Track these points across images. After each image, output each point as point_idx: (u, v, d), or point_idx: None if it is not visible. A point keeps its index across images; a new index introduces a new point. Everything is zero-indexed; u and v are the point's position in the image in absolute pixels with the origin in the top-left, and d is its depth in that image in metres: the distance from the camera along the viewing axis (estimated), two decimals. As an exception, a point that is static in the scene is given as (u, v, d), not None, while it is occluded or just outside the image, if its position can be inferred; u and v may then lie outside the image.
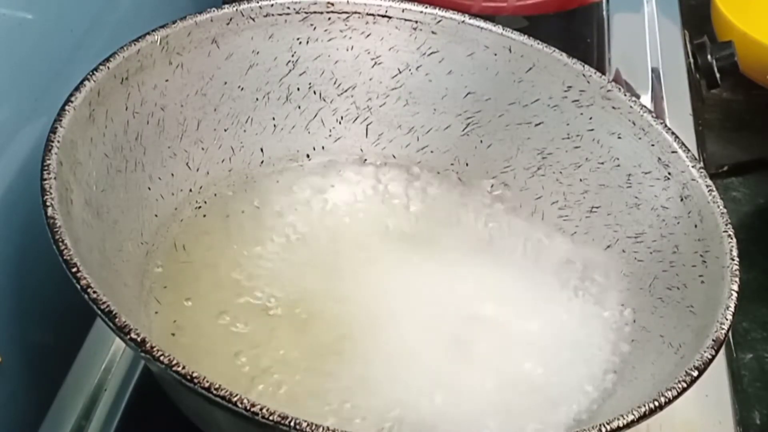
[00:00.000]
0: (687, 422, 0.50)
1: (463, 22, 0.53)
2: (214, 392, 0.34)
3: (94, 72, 0.44)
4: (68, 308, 0.50)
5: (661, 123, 0.50)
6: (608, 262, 0.51)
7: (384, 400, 0.44)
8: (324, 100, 0.55)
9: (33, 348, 0.52)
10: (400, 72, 0.55)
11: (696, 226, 0.46)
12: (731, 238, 0.44)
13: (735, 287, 0.42)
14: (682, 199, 0.48)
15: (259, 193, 0.53)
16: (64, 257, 0.36)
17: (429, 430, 0.43)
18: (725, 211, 0.46)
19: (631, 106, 0.50)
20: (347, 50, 0.54)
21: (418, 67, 0.55)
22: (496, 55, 0.53)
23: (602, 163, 0.52)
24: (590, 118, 0.52)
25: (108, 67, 0.45)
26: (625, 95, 0.51)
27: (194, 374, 0.34)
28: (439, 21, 0.54)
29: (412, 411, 0.44)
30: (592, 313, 0.50)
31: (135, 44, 0.46)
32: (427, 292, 0.50)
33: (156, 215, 0.49)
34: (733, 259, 0.43)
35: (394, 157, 0.56)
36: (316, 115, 0.55)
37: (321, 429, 0.33)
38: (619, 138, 0.51)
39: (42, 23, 0.50)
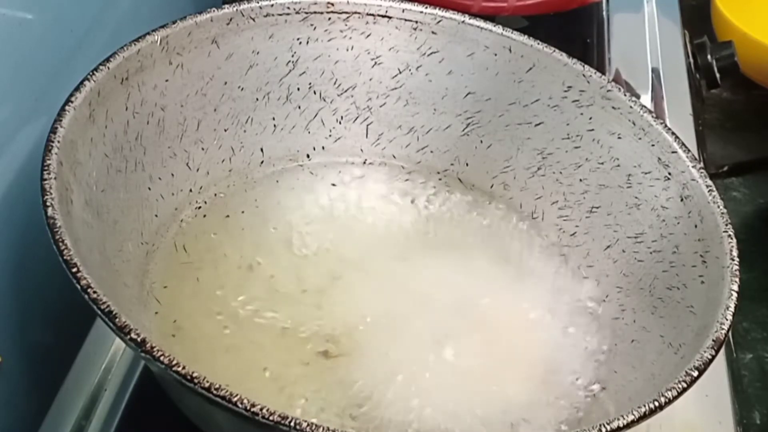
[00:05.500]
0: (687, 422, 0.50)
1: (463, 22, 0.53)
2: (214, 392, 0.34)
3: (94, 72, 0.44)
4: (68, 308, 0.50)
5: (661, 123, 0.50)
6: (608, 262, 0.51)
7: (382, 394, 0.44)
8: (324, 100, 0.55)
9: (33, 348, 0.52)
10: (400, 72, 0.55)
11: (696, 226, 0.46)
12: (731, 239, 0.44)
13: (735, 287, 0.42)
14: (682, 199, 0.48)
15: (259, 193, 0.53)
16: (64, 257, 0.36)
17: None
18: (725, 211, 0.46)
19: (631, 106, 0.50)
20: (347, 50, 0.54)
21: (418, 67, 0.55)
22: (496, 55, 0.53)
23: (602, 163, 0.52)
24: (590, 118, 0.52)
25: (108, 67, 0.45)
26: (625, 95, 0.51)
27: (194, 374, 0.34)
28: (439, 21, 0.54)
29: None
30: (592, 313, 0.50)
31: (135, 44, 0.46)
32: (425, 289, 0.50)
33: (156, 215, 0.49)
34: (733, 260, 0.43)
35: (394, 157, 0.56)
36: (316, 115, 0.55)
37: (321, 429, 0.33)
38: (619, 138, 0.51)
39: (42, 23, 0.50)
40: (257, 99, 0.53)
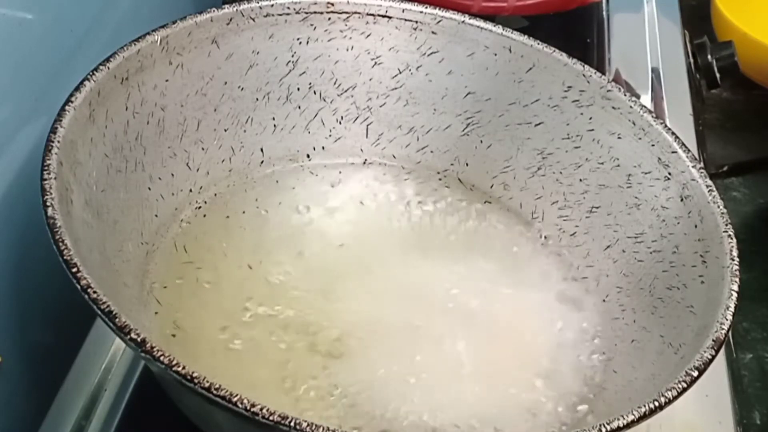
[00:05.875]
0: (687, 422, 0.50)
1: (463, 22, 0.53)
2: (214, 392, 0.34)
3: (94, 72, 0.44)
4: (68, 308, 0.50)
5: (661, 123, 0.50)
6: (608, 262, 0.51)
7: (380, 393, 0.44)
8: (324, 100, 0.55)
9: (33, 348, 0.52)
10: (400, 72, 0.55)
11: (696, 226, 0.46)
12: (731, 239, 0.44)
13: (735, 287, 0.42)
14: (682, 199, 0.48)
15: (259, 193, 0.53)
16: (64, 257, 0.36)
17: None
18: (725, 211, 0.46)
19: (631, 106, 0.50)
20: (347, 50, 0.54)
21: (418, 67, 0.55)
22: (496, 55, 0.53)
23: (602, 163, 0.52)
24: (590, 118, 0.52)
25: (108, 67, 0.45)
26: (625, 95, 0.51)
27: (194, 374, 0.34)
28: (439, 21, 0.54)
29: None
30: (592, 313, 0.50)
31: (135, 44, 0.46)
32: (424, 289, 0.50)
33: (156, 215, 0.49)
34: (733, 260, 0.43)
35: (394, 157, 0.56)
36: (316, 115, 0.55)
37: (321, 429, 0.33)
38: (619, 138, 0.51)
39: (42, 23, 0.50)
40: (257, 99, 0.53)
